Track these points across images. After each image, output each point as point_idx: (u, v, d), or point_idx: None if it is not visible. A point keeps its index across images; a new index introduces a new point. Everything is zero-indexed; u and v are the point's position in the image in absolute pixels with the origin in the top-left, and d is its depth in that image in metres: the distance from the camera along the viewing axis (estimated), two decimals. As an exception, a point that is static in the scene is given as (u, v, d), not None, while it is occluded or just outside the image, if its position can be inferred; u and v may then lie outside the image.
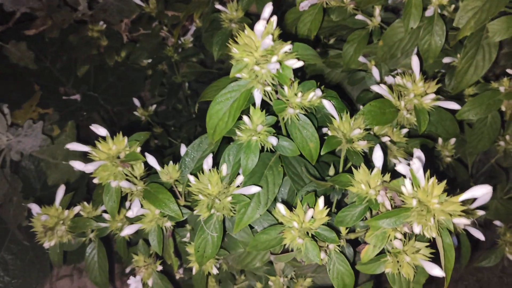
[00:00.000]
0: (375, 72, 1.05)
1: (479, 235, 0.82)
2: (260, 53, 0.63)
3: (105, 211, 0.99)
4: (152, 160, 0.81)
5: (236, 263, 0.92)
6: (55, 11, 1.80)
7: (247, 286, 1.09)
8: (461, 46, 1.04)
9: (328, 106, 0.75)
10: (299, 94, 0.70)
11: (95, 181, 0.74)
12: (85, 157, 0.77)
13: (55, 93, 1.71)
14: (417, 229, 0.57)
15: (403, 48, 1.03)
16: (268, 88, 0.67)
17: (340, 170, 0.81)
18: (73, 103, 1.71)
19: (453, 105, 0.80)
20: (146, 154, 0.81)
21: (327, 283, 0.96)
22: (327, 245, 0.70)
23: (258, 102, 0.70)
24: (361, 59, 1.12)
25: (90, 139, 0.81)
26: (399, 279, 0.70)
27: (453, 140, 1.14)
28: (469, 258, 1.01)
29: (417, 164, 0.58)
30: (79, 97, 1.75)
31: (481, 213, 0.86)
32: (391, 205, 0.64)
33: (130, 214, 0.74)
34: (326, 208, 0.66)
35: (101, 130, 0.76)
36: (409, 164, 0.63)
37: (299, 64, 0.65)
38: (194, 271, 0.89)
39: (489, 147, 1.02)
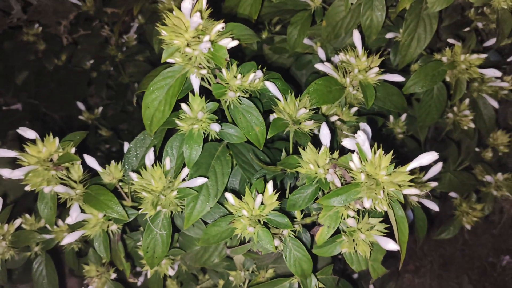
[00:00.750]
0: (321, 53, 1.03)
1: (433, 206, 0.82)
2: (191, 34, 0.59)
3: (49, 222, 0.93)
4: (91, 161, 0.76)
5: (193, 261, 0.88)
6: (-14, 17, 1.69)
7: (211, 285, 1.06)
8: (402, 20, 1.04)
9: (271, 87, 0.72)
10: (239, 76, 0.67)
11: (27, 188, 0.68)
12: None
13: (-7, 104, 1.60)
14: (367, 204, 0.55)
15: (346, 27, 1.02)
16: (204, 72, 0.63)
17: (291, 153, 0.79)
18: (14, 113, 1.61)
19: (397, 78, 0.79)
20: (85, 155, 0.76)
21: (289, 272, 0.93)
22: (281, 232, 0.68)
23: (196, 88, 0.67)
24: (307, 41, 1.10)
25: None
26: (356, 258, 0.68)
27: (403, 116, 1.14)
28: (428, 232, 1.01)
29: (362, 137, 0.56)
30: (20, 107, 1.65)
31: (433, 184, 0.86)
32: (341, 183, 0.62)
33: (70, 220, 0.69)
34: (276, 193, 0.64)
35: (29, 133, 0.70)
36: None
37: (234, 43, 0.62)
38: (149, 274, 0.84)
39: (437, 119, 1.03)
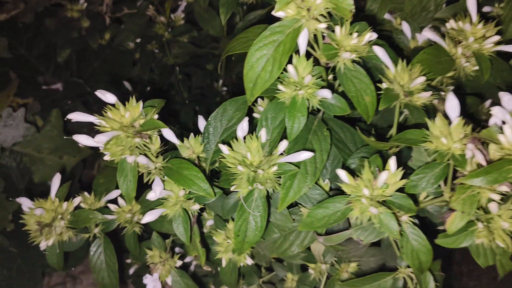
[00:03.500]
0: (406, 29, 0.93)
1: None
2: (314, -21, 0.50)
3: (110, 202, 0.85)
4: (168, 133, 0.68)
5: (270, 251, 0.79)
6: (28, -8, 1.63)
7: (276, 278, 0.97)
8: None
9: (381, 53, 0.63)
10: (355, 35, 0.58)
11: (106, 158, 0.60)
12: (79, 149, 0.63)
13: (34, 83, 1.54)
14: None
15: (436, 0, 0.92)
16: (323, 26, 0.54)
17: (394, 131, 0.69)
18: (55, 93, 1.54)
19: (519, 48, 0.69)
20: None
21: (372, 268, 0.84)
22: (399, 216, 0.58)
23: (303, 47, 0.58)
24: (386, 16, 1.00)
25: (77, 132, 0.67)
26: (483, 251, 0.59)
27: (488, 103, 1.04)
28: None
29: (524, 103, 0.47)
30: (61, 86, 1.58)
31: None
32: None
33: (152, 196, 0.60)
34: (401, 170, 0.54)
35: (108, 96, 0.62)
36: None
37: (361, -8, 0.52)
38: (223, 263, 0.76)
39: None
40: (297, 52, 0.58)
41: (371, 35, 0.59)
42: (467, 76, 0.74)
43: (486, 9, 0.91)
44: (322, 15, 0.55)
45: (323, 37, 0.60)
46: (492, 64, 0.71)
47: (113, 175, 0.64)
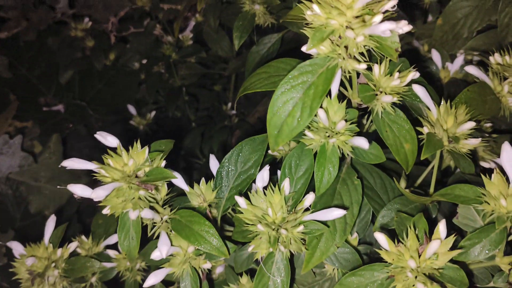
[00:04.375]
0: (436, 57, 0.85)
1: None
2: (354, 13, 0.43)
3: (108, 247, 0.77)
4: (178, 180, 0.60)
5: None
6: (31, 10, 1.57)
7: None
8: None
9: (422, 93, 0.55)
10: (396, 75, 0.50)
11: (105, 211, 0.52)
12: (78, 178, 0.55)
13: (34, 104, 1.47)
14: None
15: (471, 26, 0.85)
16: (362, 67, 0.46)
17: (433, 182, 0.61)
18: (56, 115, 1.47)
19: None
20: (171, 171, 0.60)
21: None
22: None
23: (335, 88, 0.50)
24: (414, 43, 0.93)
25: (77, 155, 0.59)
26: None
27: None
28: None
29: None
30: (63, 108, 1.51)
31: None
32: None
33: (157, 255, 0.52)
34: (454, 236, 0.46)
35: (110, 139, 0.54)
36: None
37: (408, 28, 0.45)
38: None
39: None
40: (328, 93, 0.51)
41: (415, 74, 0.51)
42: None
43: (524, 38, 0.83)
44: (361, 52, 0.47)
45: (358, 75, 0.52)
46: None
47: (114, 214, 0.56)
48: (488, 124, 0.75)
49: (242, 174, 0.63)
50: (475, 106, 0.60)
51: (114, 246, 0.76)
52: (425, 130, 0.56)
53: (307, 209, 0.53)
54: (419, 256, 0.46)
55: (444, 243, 0.46)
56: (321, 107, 0.51)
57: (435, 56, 0.86)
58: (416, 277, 0.45)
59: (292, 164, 0.56)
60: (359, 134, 0.53)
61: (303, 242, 0.53)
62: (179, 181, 0.60)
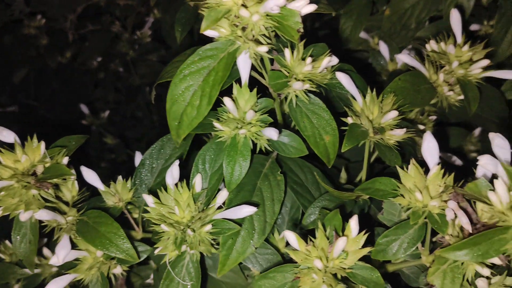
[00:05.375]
0: (384, 49, 0.82)
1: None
2: (248, -10, 0.39)
3: (34, 252, 0.72)
4: (90, 176, 0.55)
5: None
6: (-16, 8, 1.51)
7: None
8: (485, 11, 0.84)
9: (345, 80, 0.51)
10: (308, 60, 0.46)
11: (-3, 213, 0.47)
12: None
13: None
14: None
15: (418, 17, 0.82)
16: (264, 49, 0.42)
17: (364, 176, 0.57)
18: (9, 117, 1.41)
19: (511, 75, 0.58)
20: (82, 168, 0.55)
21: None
22: (364, 290, 0.46)
23: (245, 75, 0.46)
24: (362, 35, 0.89)
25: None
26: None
27: (477, 131, 0.92)
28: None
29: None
30: (17, 109, 1.46)
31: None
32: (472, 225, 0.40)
33: (55, 261, 0.48)
34: (365, 233, 0.42)
35: (5, 134, 0.50)
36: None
37: (310, 8, 0.41)
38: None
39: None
40: (239, 80, 0.47)
41: (330, 60, 0.47)
42: (450, 106, 0.63)
43: (473, 27, 0.81)
44: (265, 35, 0.43)
45: (272, 62, 0.49)
46: (481, 93, 0.60)
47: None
48: (432, 117, 0.72)
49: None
50: (406, 96, 0.57)
51: (39, 252, 0.71)
52: (349, 120, 0.52)
53: (221, 207, 0.49)
54: (329, 255, 0.42)
55: (354, 240, 0.42)
56: (230, 96, 0.47)
57: (383, 48, 0.83)
58: (323, 279, 0.41)
59: (206, 158, 0.52)
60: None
61: (216, 244, 0.49)
62: (93, 179, 0.56)
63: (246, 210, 0.46)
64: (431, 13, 0.81)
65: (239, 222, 0.49)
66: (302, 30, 0.40)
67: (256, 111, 0.46)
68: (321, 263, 0.40)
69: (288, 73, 0.47)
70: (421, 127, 0.64)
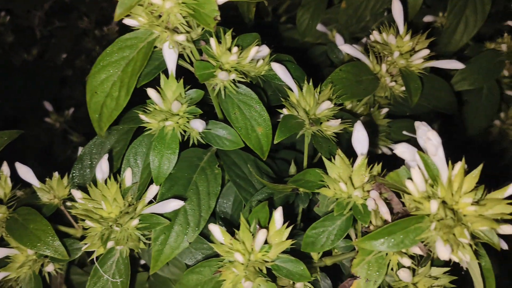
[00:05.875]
0: (339, 41, 0.81)
1: None
2: (160, -24, 0.38)
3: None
4: (25, 172, 0.54)
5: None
6: None
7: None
8: (441, 2, 0.83)
9: (281, 72, 0.50)
10: (234, 50, 0.45)
11: None
12: None
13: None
14: (445, 252, 0.33)
15: (373, 9, 0.81)
16: (181, 38, 0.41)
17: (305, 166, 0.57)
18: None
19: (454, 64, 0.58)
20: (17, 164, 0.54)
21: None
22: (293, 283, 0.45)
23: (171, 65, 0.45)
24: (320, 28, 0.89)
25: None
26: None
27: (435, 125, 0.92)
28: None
29: (434, 140, 0.35)
30: (-17, 107, 1.43)
31: None
32: (392, 214, 0.40)
33: (-21, 259, 0.46)
34: (288, 226, 0.41)
35: None
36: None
37: (227, -5, 0.40)
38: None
39: (485, 127, 0.81)
40: (165, 71, 0.46)
41: (259, 50, 0.46)
42: (395, 98, 0.62)
43: (427, 18, 0.81)
44: (187, 24, 0.42)
45: (201, 52, 0.48)
46: (423, 84, 0.60)
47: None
48: (384, 110, 0.72)
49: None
50: (347, 87, 0.56)
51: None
52: (284, 112, 0.52)
53: (152, 202, 0.48)
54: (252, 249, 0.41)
55: (278, 233, 0.41)
56: (155, 87, 0.46)
57: (338, 40, 0.82)
58: (244, 273, 0.40)
59: (138, 152, 0.51)
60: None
61: (147, 239, 0.48)
62: (27, 175, 0.54)
63: (173, 204, 0.45)
64: (385, 5, 0.80)
65: (168, 217, 0.47)
66: (219, 18, 0.39)
67: (183, 103, 0.45)
68: (241, 256, 0.40)
69: (217, 62, 0.46)
70: (365, 118, 0.63)
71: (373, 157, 0.45)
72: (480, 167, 0.35)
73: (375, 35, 0.60)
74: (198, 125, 0.44)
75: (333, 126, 0.51)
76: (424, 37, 0.59)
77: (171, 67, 0.45)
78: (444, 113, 0.68)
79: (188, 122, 0.46)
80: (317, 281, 0.52)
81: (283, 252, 0.42)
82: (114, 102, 0.42)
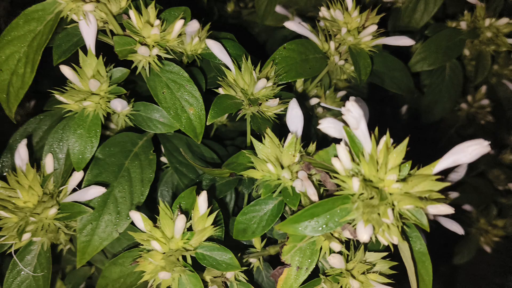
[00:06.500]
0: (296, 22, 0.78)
1: (456, 228, 0.57)
2: None
3: None
4: None
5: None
6: None
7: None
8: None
9: (216, 49, 0.47)
10: (156, 23, 0.42)
11: None
12: None
13: None
14: (365, 233, 0.30)
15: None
16: (89, 8, 0.37)
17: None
18: None
19: (404, 41, 0.55)
20: None
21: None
22: (223, 274, 0.42)
23: (89, 40, 0.41)
24: (280, 10, 0.85)
25: None
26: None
27: (404, 109, 0.90)
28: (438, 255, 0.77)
29: (354, 112, 0.32)
30: None
31: (454, 195, 0.61)
32: (321, 194, 0.37)
33: None
34: (212, 210, 0.38)
35: None
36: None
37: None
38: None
39: (449, 110, 0.79)
40: (84, 48, 0.42)
41: (185, 23, 0.43)
42: (346, 82, 0.59)
43: (387, -2, 0.78)
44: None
45: (123, 28, 0.44)
46: (374, 63, 0.57)
47: None
48: (341, 92, 0.69)
49: (39, 152, 0.54)
50: (291, 66, 0.53)
51: None
52: (220, 91, 0.48)
53: (75, 190, 0.45)
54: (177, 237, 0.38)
55: (201, 219, 0.38)
56: (72, 66, 0.42)
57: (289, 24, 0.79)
58: (163, 263, 0.37)
59: (63, 137, 0.47)
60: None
61: (70, 229, 0.45)
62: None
63: (93, 191, 0.42)
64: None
65: (92, 206, 0.44)
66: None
67: (102, 82, 0.42)
68: (159, 244, 0.36)
69: (141, 38, 0.43)
70: (314, 101, 0.60)
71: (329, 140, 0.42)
72: (405, 141, 0.32)
73: (323, 11, 0.57)
74: (116, 105, 0.41)
75: (271, 106, 0.48)
76: (374, 13, 0.56)
77: (89, 43, 0.42)
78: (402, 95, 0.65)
79: (109, 102, 0.42)
80: (260, 273, 0.49)
81: (209, 239, 0.39)
82: (20, 80, 0.38)
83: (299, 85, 0.62)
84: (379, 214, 0.31)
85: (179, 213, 0.38)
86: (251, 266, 0.49)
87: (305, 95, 0.61)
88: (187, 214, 0.40)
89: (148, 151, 0.50)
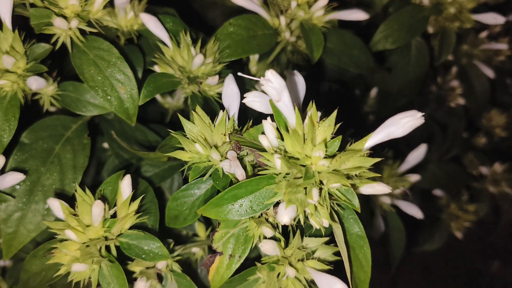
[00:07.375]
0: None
1: (415, 212, 0.55)
2: None
3: None
4: None
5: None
6: None
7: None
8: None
9: (152, 23, 0.44)
10: (74, -8, 0.38)
11: None
12: None
13: None
14: (285, 215, 0.27)
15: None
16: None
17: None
18: None
19: (357, 14, 0.51)
20: None
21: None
22: (155, 265, 0.39)
23: (5, 12, 0.38)
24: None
25: None
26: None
27: (374, 91, 0.87)
28: (407, 241, 0.75)
29: (275, 83, 0.29)
30: None
31: (414, 178, 0.59)
32: (251, 175, 0.34)
33: None
34: (135, 198, 0.35)
35: None
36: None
37: None
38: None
39: (417, 91, 0.76)
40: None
41: (111, -6, 0.39)
42: (302, 55, 0.56)
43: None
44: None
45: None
46: (329, 41, 0.54)
47: None
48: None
49: None
50: (237, 43, 0.50)
51: None
52: (156, 69, 0.45)
53: None
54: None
55: (124, 205, 0.35)
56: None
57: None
58: (78, 254, 0.33)
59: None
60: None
61: (-9, 220, 0.41)
62: None
63: (11, 178, 0.38)
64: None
65: (9, 193, 0.41)
66: None
67: (19, 58, 0.38)
68: (74, 234, 0.33)
69: (61, 10, 0.39)
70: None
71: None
72: (333, 115, 0.29)
73: (272, -16, 0.53)
74: (31, 83, 0.37)
75: (212, 84, 0.44)
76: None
77: (4, 16, 0.38)
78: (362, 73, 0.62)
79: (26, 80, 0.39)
80: (201, 261, 0.46)
81: (134, 227, 0.36)
82: None
83: (252, 64, 0.59)
84: (304, 194, 0.28)
85: (97, 200, 0.34)
86: (195, 256, 0.46)
87: (254, 75, 0.58)
88: (113, 201, 0.37)
89: (83, 135, 0.46)
